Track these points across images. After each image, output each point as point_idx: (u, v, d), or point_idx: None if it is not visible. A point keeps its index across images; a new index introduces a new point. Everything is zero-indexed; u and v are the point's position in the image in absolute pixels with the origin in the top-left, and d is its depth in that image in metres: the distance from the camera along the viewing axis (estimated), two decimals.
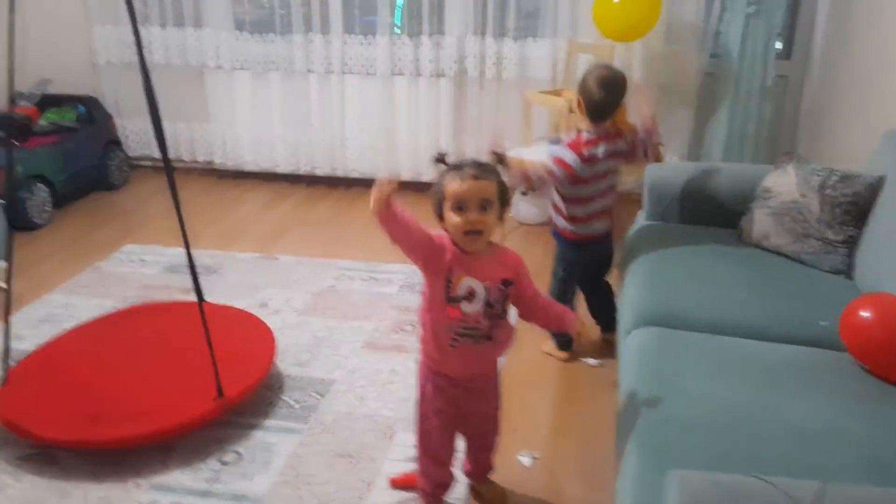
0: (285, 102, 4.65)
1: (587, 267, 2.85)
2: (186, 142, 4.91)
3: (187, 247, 2.42)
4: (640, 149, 2.65)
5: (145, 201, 4.57)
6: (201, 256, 3.01)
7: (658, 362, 1.95)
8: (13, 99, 4.28)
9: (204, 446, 2.33)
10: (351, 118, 4.60)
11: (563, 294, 2.79)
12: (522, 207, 4.17)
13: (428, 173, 4.60)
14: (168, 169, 2.40)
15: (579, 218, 2.70)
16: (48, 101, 4.52)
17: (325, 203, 4.54)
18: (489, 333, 1.79)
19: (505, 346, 1.88)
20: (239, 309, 2.97)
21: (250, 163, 4.84)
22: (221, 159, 4.89)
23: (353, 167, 4.71)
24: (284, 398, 2.58)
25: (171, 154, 4.94)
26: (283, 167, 4.81)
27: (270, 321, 3.02)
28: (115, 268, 3.62)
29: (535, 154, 3.87)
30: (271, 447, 2.33)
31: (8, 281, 2.56)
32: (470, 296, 1.74)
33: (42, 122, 4.43)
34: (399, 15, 4.50)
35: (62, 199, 4.32)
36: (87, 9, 4.70)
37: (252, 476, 2.21)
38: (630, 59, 4.10)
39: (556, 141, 3.96)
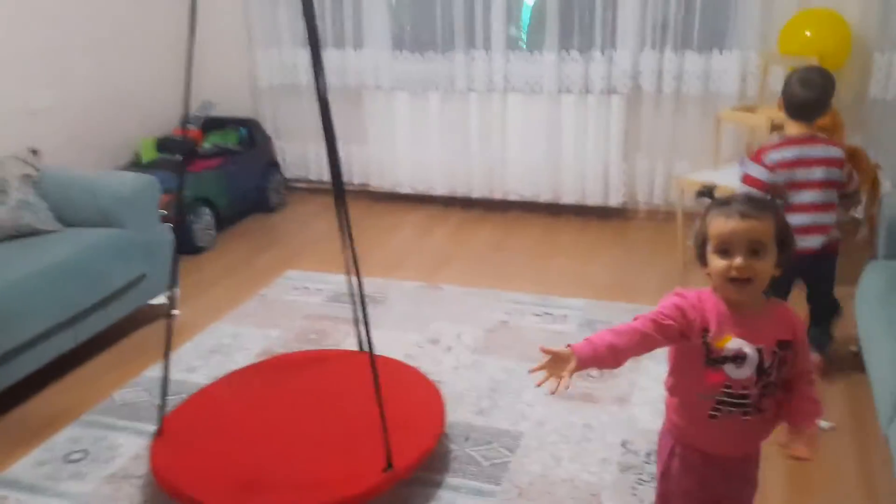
0: (444, 122, 4.47)
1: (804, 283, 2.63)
2: (343, 163, 4.82)
3: (361, 293, 2.18)
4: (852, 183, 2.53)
5: (304, 225, 4.50)
6: (365, 285, 2.83)
7: None
8: (185, 122, 4.35)
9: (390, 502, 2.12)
10: (513, 138, 4.35)
11: None
12: None
13: (594, 196, 4.30)
14: (340, 198, 2.19)
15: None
16: (211, 124, 4.55)
17: (484, 228, 4.32)
18: (759, 404, 1.45)
19: (777, 421, 1.52)
20: (401, 362, 2.71)
21: (406, 185, 4.70)
22: (377, 181, 4.76)
23: (513, 189, 4.46)
24: (470, 452, 2.33)
25: (325, 176, 4.89)
26: (440, 189, 4.63)
27: (444, 360, 2.81)
28: (279, 295, 3.52)
29: (726, 177, 3.50)
30: None
31: (174, 305, 2.44)
32: (738, 359, 1.42)
33: (206, 144, 4.45)
34: (526, 27, 4.22)
35: (224, 222, 4.31)
36: (250, 32, 4.71)
37: None
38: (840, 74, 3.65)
39: (743, 161, 3.58)
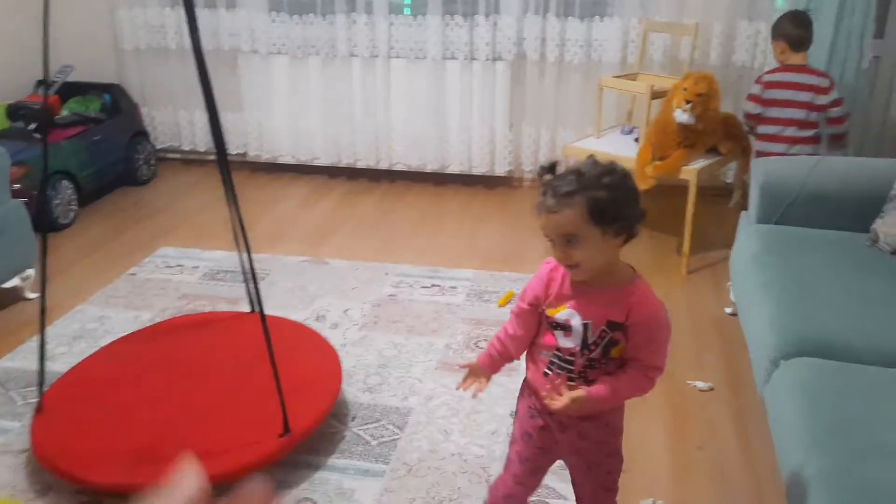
0: (326, 89, 4.29)
1: None
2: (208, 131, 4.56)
3: (249, 253, 2.08)
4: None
5: (177, 198, 4.23)
6: (242, 261, 2.68)
7: (832, 405, 1.62)
8: (42, 87, 3.97)
9: (275, 487, 2.01)
10: (398, 106, 4.24)
11: None
12: None
13: (480, 165, 4.26)
14: (224, 166, 2.04)
15: (763, 136, 3.24)
16: (70, 90, 4.20)
17: (370, 199, 4.20)
18: (585, 375, 1.48)
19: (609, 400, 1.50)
20: (296, 322, 2.65)
21: (287, 155, 4.50)
22: (256, 151, 4.54)
23: (400, 159, 4.36)
24: (358, 432, 2.25)
25: (199, 146, 4.63)
26: (323, 159, 4.47)
27: (331, 337, 2.71)
28: (151, 274, 3.29)
29: (608, 145, 3.53)
30: (351, 495, 2.01)
31: (42, 290, 2.24)
32: (565, 328, 1.47)
33: (64, 112, 4.10)
34: None
35: (87, 196, 4.00)
36: None
37: None
38: (712, 41, 3.74)
39: (630, 131, 3.62)
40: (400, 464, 2.12)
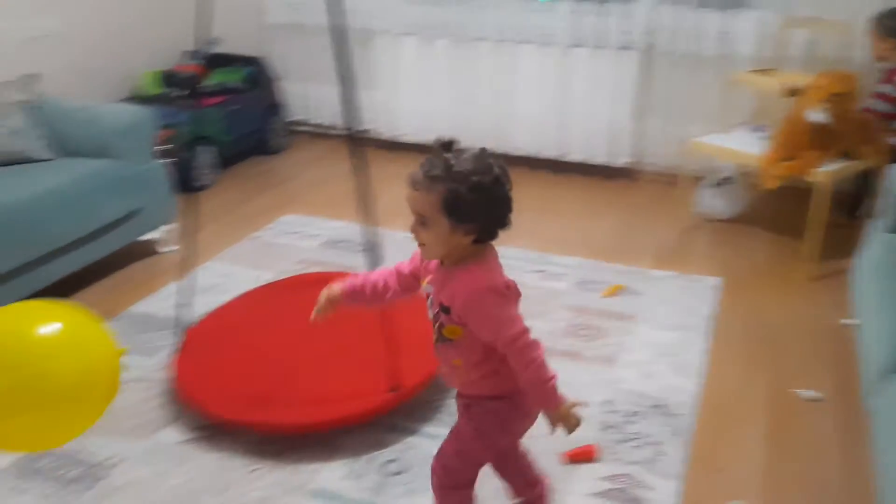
0: (452, 71, 4.38)
1: None
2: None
3: (370, 226, 2.20)
4: None
5: (305, 169, 4.45)
6: (358, 233, 2.80)
7: None
8: (192, 57, 4.25)
9: (366, 449, 2.12)
10: (521, 91, 4.26)
11: None
12: (708, 200, 3.70)
13: (600, 155, 4.23)
14: (356, 144, 2.15)
15: None
16: (217, 61, 4.48)
17: None
18: (437, 348, 1.58)
19: (459, 376, 1.58)
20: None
21: (408, 134, 4.63)
22: (380, 128, 4.70)
23: (518, 144, 4.39)
24: (448, 399, 2.33)
25: (327, 120, 4.82)
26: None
27: None
28: (274, 239, 3.49)
29: (735, 142, 3.42)
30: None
31: (185, 241, 2.46)
32: (428, 298, 1.56)
33: (210, 81, 4.38)
34: None
35: (224, 161, 4.27)
36: None
37: (416, 493, 1.97)
38: (856, 40, 3.54)
39: (760, 128, 3.48)
40: None
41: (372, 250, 2.25)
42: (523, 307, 2.90)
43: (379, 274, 1.66)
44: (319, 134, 4.90)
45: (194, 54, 4.33)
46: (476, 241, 1.45)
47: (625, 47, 3.98)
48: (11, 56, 3.48)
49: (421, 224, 1.44)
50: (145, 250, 3.29)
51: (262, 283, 3.02)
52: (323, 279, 2.77)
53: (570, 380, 2.38)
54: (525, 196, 3.96)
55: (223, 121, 4.18)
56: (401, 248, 3.29)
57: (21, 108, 3.03)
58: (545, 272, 3.17)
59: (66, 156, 3.05)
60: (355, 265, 3.06)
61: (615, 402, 2.34)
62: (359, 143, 2.19)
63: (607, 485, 2.00)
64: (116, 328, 2.72)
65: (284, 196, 4.02)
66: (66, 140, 3.07)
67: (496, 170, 1.44)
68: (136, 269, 3.19)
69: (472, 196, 1.40)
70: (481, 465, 1.69)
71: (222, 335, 2.51)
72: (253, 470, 2.05)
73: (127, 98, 4.13)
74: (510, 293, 1.48)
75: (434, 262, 1.54)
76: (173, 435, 2.19)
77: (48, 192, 2.73)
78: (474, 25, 4.22)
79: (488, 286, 1.45)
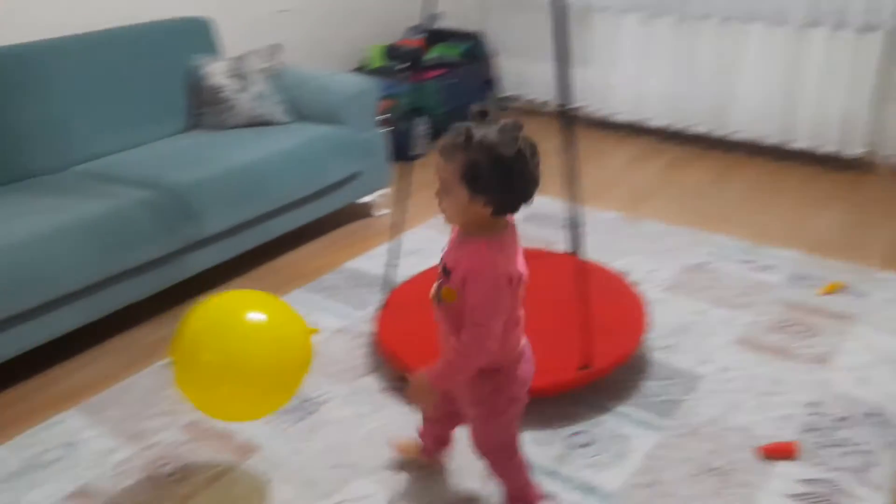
0: (673, 50, 4.23)
1: None
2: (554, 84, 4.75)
3: (575, 202, 2.19)
4: None
5: None
6: (562, 209, 2.81)
7: None
8: (423, 28, 4.45)
9: (554, 419, 2.15)
10: (747, 72, 4.03)
11: None
12: None
13: (829, 144, 3.91)
14: (566, 121, 2.16)
15: None
16: (438, 36, 4.65)
17: (700, 166, 4.09)
18: (436, 316, 1.63)
19: (447, 342, 1.60)
20: (611, 271, 2.72)
21: (622, 112, 4.55)
22: (593, 106, 4.65)
23: (738, 128, 4.16)
24: (644, 385, 2.30)
25: (540, 96, 4.85)
26: (657, 121, 4.43)
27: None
28: None
29: None
30: (627, 440, 2.08)
31: (399, 205, 2.61)
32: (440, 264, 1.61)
33: (431, 55, 4.57)
34: None
35: (437, 134, 4.44)
36: None
37: (602, 468, 1.98)
38: None
39: None
40: (681, 424, 2.13)
41: (574, 227, 2.26)
42: (727, 296, 2.80)
43: None
44: (532, 110, 4.95)
45: (417, 29, 4.53)
46: (495, 214, 1.47)
47: (868, 28, 3.63)
48: (260, 27, 3.85)
49: (443, 190, 1.47)
50: (362, 212, 3.53)
51: None
52: (526, 255, 2.85)
53: (776, 376, 2.30)
54: (741, 183, 3.81)
55: (439, 94, 4.35)
56: (604, 227, 3.31)
57: (265, 75, 3.35)
58: (755, 263, 3.01)
59: (299, 120, 3.34)
60: (556, 240, 3.09)
61: (823, 404, 2.19)
62: (569, 121, 2.19)
63: (806, 487, 1.89)
64: (334, 280, 2.97)
65: None
66: (300, 106, 3.36)
67: (520, 143, 1.43)
68: (352, 228, 3.44)
69: (491, 168, 1.41)
70: (514, 427, 1.72)
71: (423, 298, 2.61)
72: None
73: (354, 69, 4.43)
74: (509, 286, 1.51)
75: (456, 227, 1.58)
76: (374, 383, 2.36)
77: (284, 152, 3.01)
78: (699, 2, 4.04)
79: (492, 270, 1.48)
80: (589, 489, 1.91)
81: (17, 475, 1.99)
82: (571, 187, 2.25)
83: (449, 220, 1.53)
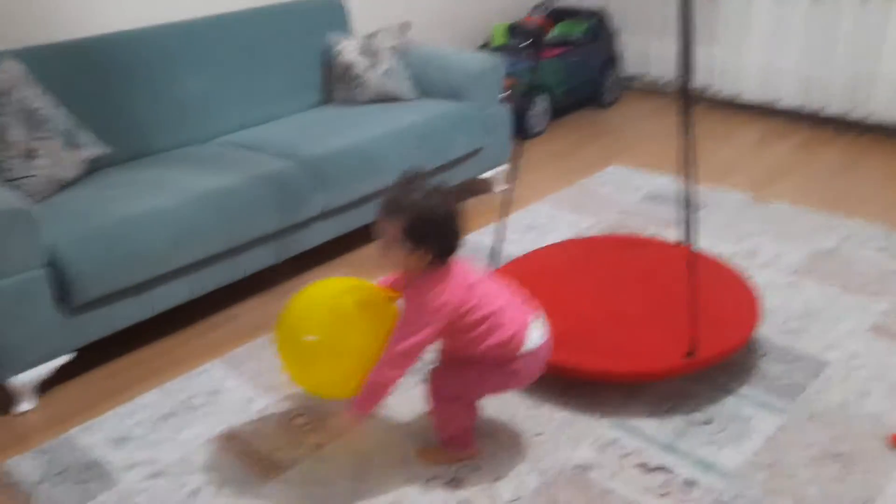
0: (808, 27, 4.06)
1: None
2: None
3: (691, 183, 2.18)
4: None
5: (635, 123, 4.48)
6: (679, 189, 2.77)
7: None
8: (547, 6, 4.47)
9: (672, 396, 2.16)
10: (889, 51, 3.82)
11: None
12: None
13: None
14: (686, 100, 2.14)
15: None
16: (561, 14, 4.64)
17: (832, 149, 3.92)
18: None
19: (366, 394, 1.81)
20: (725, 264, 2.65)
21: (750, 92, 4.40)
22: (720, 86, 4.53)
23: (877, 110, 3.96)
24: (767, 368, 2.27)
25: (662, 75, 4.76)
26: (787, 101, 4.27)
27: (758, 275, 2.71)
28: (598, 187, 3.60)
29: None
30: (747, 420, 2.06)
31: (510, 182, 2.66)
32: None
33: (554, 33, 4.56)
34: None
35: (557, 111, 4.45)
36: None
37: (721, 446, 1.98)
38: None
39: None
40: (804, 408, 2.09)
41: (690, 207, 2.23)
42: (859, 282, 2.70)
43: None
44: (653, 90, 4.87)
45: (541, 7, 4.54)
46: (432, 262, 1.72)
47: None
48: (390, 5, 3.97)
49: (385, 245, 1.73)
50: (484, 188, 3.60)
51: (582, 229, 3.16)
52: (636, 243, 2.84)
53: None
54: (875, 166, 3.67)
55: (561, 72, 4.35)
56: (730, 208, 3.24)
57: (393, 52, 3.46)
58: (889, 250, 2.88)
59: (425, 96, 3.43)
60: (673, 220, 3.06)
61: None
62: (690, 100, 2.15)
63: None
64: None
65: (612, 148, 4.10)
66: (426, 82, 3.45)
67: (449, 205, 1.70)
68: (474, 202, 3.52)
69: (426, 226, 1.68)
70: (481, 394, 1.92)
71: (529, 275, 2.56)
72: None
73: (479, 47, 4.49)
74: (435, 315, 1.71)
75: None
76: None
77: (413, 126, 3.11)
78: None
79: (421, 297, 1.72)
80: (707, 465, 1.92)
81: (170, 415, 2.19)
82: (687, 171, 2.21)
83: (393, 267, 1.79)
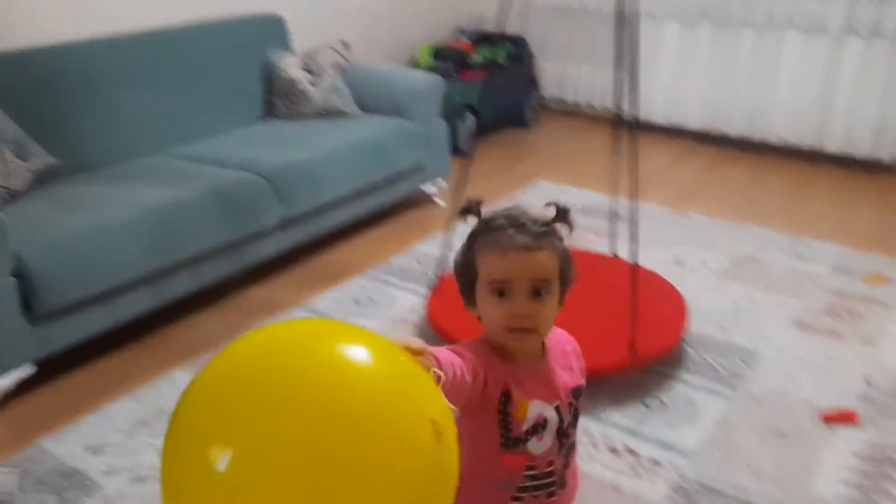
0: (711, 56, 4.44)
1: None
2: (594, 87, 4.96)
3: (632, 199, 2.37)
4: None
5: (556, 142, 4.73)
6: (615, 203, 3.00)
7: None
8: (470, 31, 4.61)
9: (626, 387, 2.34)
10: (783, 78, 4.24)
11: None
12: None
13: (862, 148, 4.11)
14: (622, 125, 2.35)
15: None
16: (483, 38, 4.86)
17: (736, 167, 4.29)
18: (564, 477, 1.18)
19: (576, 490, 1.24)
20: (651, 270, 2.86)
21: (659, 116, 4.74)
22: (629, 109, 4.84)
23: (774, 131, 4.37)
24: (708, 359, 2.49)
25: (579, 99, 5.05)
26: (693, 123, 4.63)
27: (687, 280, 2.95)
28: (531, 200, 3.80)
29: None
30: (696, 404, 2.27)
31: (458, 193, 2.80)
32: (540, 427, 1.12)
33: (476, 56, 4.76)
34: None
35: (483, 131, 4.64)
36: None
37: (678, 427, 2.17)
38: None
39: None
40: (746, 394, 2.32)
41: (633, 224, 2.42)
42: (777, 284, 2.98)
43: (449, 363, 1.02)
44: (569, 111, 5.15)
45: (464, 31, 4.73)
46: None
47: None
48: (322, 25, 4.05)
49: (536, 295, 1.10)
50: (426, 199, 3.73)
51: None
52: (575, 254, 3.01)
53: (830, 354, 2.50)
54: (776, 182, 4.03)
55: (485, 93, 4.54)
56: (654, 220, 3.50)
57: (335, 69, 3.54)
58: (798, 253, 3.21)
59: (365, 112, 3.53)
60: (603, 230, 3.28)
61: (877, 379, 2.38)
62: (626, 125, 2.37)
63: (867, 450, 2.07)
64: (404, 263, 3.15)
65: (539, 165, 4.32)
66: (367, 98, 3.55)
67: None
68: (418, 214, 3.64)
69: (568, 255, 1.16)
70: None
71: None
72: None
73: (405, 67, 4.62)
74: None
75: (503, 373, 1.11)
76: None
77: (363, 141, 3.22)
78: (740, 11, 4.25)
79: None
80: (668, 446, 2.10)
81: (145, 422, 2.17)
82: (632, 189, 2.42)
83: (538, 339, 1.16)
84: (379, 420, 0.77)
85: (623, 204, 3.55)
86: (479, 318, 1.15)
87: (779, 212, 3.66)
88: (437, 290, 2.71)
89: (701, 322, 2.67)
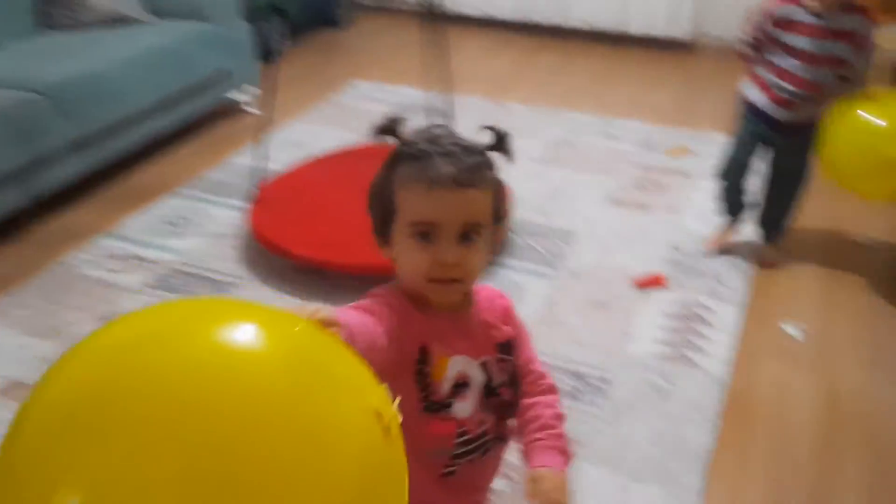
0: None
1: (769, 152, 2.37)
2: None
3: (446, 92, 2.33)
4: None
5: (369, 40, 4.58)
6: (432, 98, 2.97)
7: None
8: None
9: None
10: None
11: (725, 174, 2.45)
12: None
13: (660, 27, 4.29)
14: (433, 18, 2.28)
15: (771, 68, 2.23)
16: None
17: (548, 55, 4.36)
18: (500, 433, 1.04)
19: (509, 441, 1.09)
20: None
21: (471, 6, 4.70)
22: (440, 1, 4.75)
23: (578, 17, 4.46)
24: (529, 243, 2.56)
25: None
26: (505, 14, 4.64)
27: (510, 168, 2.98)
28: (349, 102, 3.69)
29: None
30: (521, 286, 2.34)
31: (269, 99, 2.65)
32: (462, 386, 0.98)
33: None
34: None
35: (292, 32, 4.40)
36: None
37: None
38: None
39: None
40: (566, 271, 2.42)
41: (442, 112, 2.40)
42: (590, 164, 3.10)
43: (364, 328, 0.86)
44: (381, 7, 4.99)
45: None
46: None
47: None
48: None
49: (465, 239, 0.93)
50: (234, 109, 3.51)
51: (345, 141, 3.23)
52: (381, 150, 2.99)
53: (639, 225, 2.64)
54: (584, 66, 4.12)
55: None
56: (471, 111, 3.49)
57: None
58: (608, 133, 3.35)
59: (157, 17, 3.22)
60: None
61: (681, 243, 2.56)
62: (435, 18, 2.31)
63: (676, 307, 2.24)
64: (218, 177, 2.97)
65: (352, 65, 4.18)
66: (160, 2, 3.24)
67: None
68: (228, 126, 3.42)
69: (503, 192, 1.01)
70: None
71: (295, 190, 2.69)
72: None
73: None
74: None
75: (417, 323, 0.95)
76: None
77: (154, 49, 2.94)
78: None
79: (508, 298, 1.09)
80: None
81: None
82: (445, 82, 2.37)
83: (467, 285, 0.99)
84: (300, 425, 0.55)
85: (440, 98, 3.55)
86: (392, 261, 0.98)
87: (589, 95, 3.78)
88: (259, 202, 2.60)
89: (523, 209, 2.73)
